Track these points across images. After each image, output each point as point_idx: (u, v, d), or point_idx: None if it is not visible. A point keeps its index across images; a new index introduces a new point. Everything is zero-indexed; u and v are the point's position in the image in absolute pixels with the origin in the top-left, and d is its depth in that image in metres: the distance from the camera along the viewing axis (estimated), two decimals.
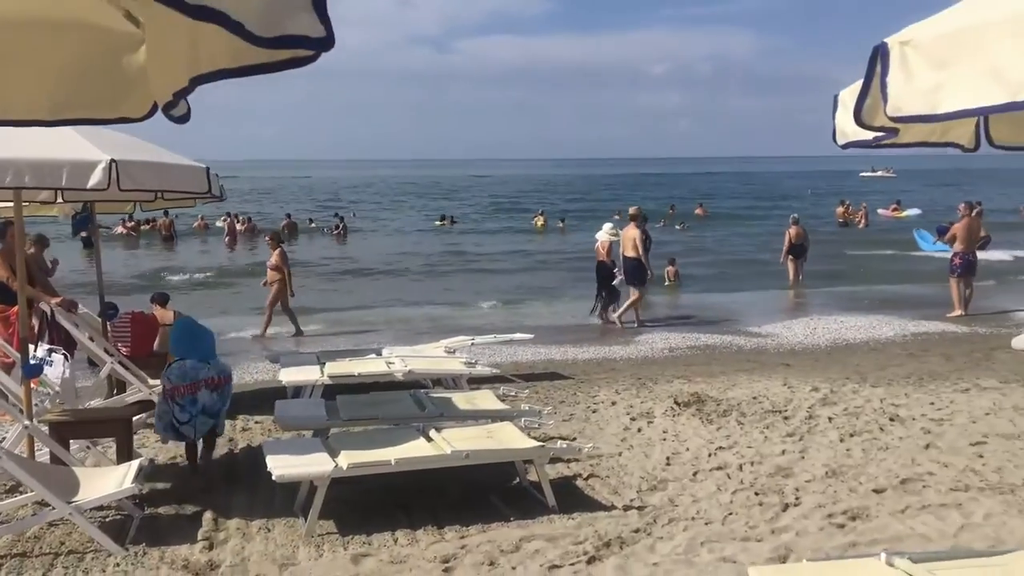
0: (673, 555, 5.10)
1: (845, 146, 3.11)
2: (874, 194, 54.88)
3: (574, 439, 7.45)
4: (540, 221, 40.20)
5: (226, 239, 33.02)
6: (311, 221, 40.15)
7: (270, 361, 10.48)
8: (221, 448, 7.46)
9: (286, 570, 5.00)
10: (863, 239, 31.75)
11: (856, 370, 10.42)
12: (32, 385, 6.37)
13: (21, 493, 5.81)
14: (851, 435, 7.51)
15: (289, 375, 8.65)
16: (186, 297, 17.97)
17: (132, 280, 22.36)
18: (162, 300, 10.41)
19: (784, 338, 13.15)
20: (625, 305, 14.62)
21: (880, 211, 41.75)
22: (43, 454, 6.45)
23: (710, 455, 7.02)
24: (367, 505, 5.87)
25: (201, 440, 6.86)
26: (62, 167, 5.44)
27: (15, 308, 7.12)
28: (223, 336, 13.43)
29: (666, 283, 19.53)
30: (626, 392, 9.37)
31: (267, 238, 16.45)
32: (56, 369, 7.43)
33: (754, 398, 8.89)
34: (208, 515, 5.82)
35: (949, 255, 15.61)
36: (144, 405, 7.64)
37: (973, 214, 15.55)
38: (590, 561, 5.01)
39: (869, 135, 2.78)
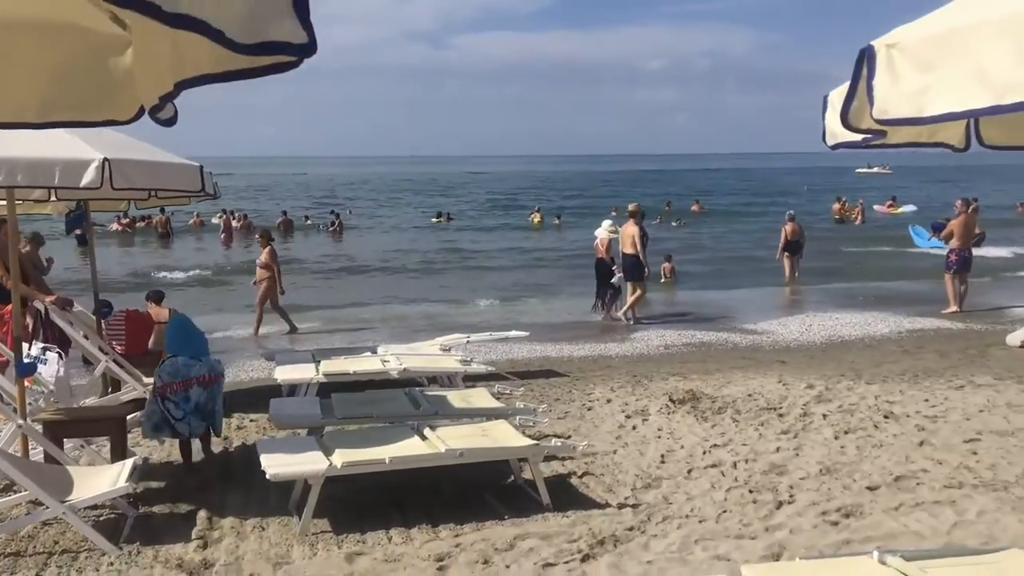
0: (667, 553, 5.11)
1: (835, 147, 3.12)
2: (870, 190, 54.95)
3: (569, 437, 7.46)
4: (537, 218, 40.19)
5: (222, 236, 32.96)
6: (307, 219, 40.12)
7: (265, 359, 10.48)
8: (216, 446, 7.45)
9: (280, 569, 5.00)
10: (859, 236, 31.78)
11: (851, 367, 10.43)
12: (26, 384, 6.37)
13: (15, 492, 5.80)
14: (845, 432, 7.52)
15: (284, 373, 8.65)
16: (182, 295, 17.94)
17: (127, 278, 22.32)
18: (157, 298, 10.41)
19: (779, 335, 13.17)
20: (629, 301, 14.65)
21: (876, 207, 41.82)
22: (37, 453, 6.45)
23: (704, 453, 7.03)
24: (361, 504, 5.87)
25: (198, 440, 6.91)
26: (55, 166, 5.44)
27: (9, 306, 7.11)
28: (218, 334, 13.46)
29: (662, 280, 19.54)
30: (621, 389, 9.38)
31: (257, 236, 16.40)
32: (50, 367, 7.43)
33: (749, 395, 8.90)
34: (202, 514, 5.82)
35: (945, 251, 15.63)
36: (139, 404, 7.62)
37: (969, 210, 15.57)
38: (584, 559, 5.02)
39: (858, 136, 2.78)
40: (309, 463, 5.59)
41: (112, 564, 5.06)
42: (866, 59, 2.46)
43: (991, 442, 7.14)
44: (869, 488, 6.13)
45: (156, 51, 1.89)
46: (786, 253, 19.55)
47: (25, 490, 5.33)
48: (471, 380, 9.14)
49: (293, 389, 8.61)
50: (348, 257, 27.99)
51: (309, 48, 1.68)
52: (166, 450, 7.34)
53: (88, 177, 5.42)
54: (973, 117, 2.72)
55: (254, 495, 6.16)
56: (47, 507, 5.20)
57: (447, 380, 9.04)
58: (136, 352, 9.08)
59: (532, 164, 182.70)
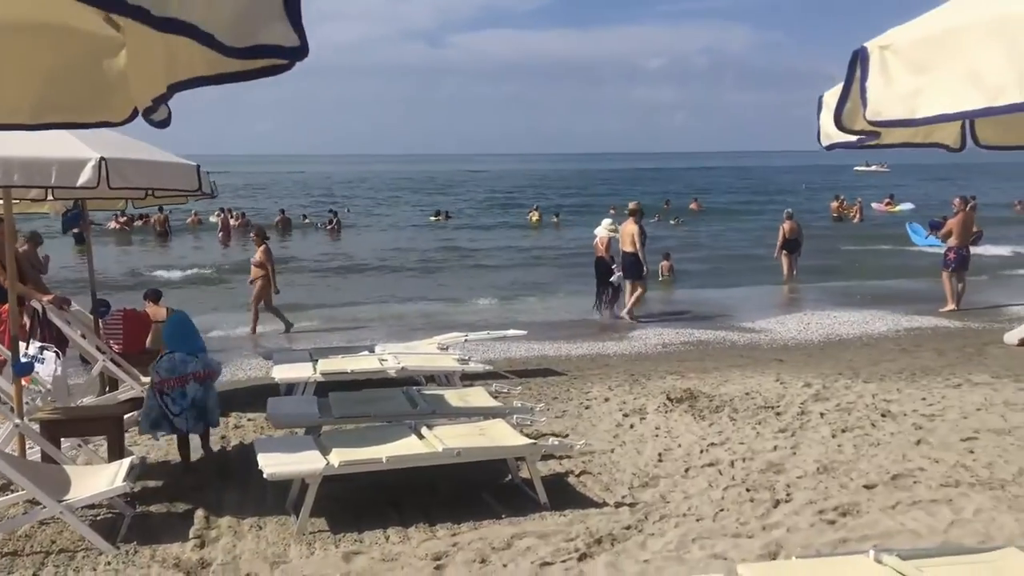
0: (664, 552, 5.11)
1: (830, 147, 3.12)
2: (868, 189, 54.96)
3: (566, 436, 7.46)
4: (535, 216, 40.18)
5: (220, 235, 32.93)
6: (305, 217, 40.08)
7: (263, 358, 10.48)
8: (213, 445, 7.45)
9: (277, 568, 5.01)
10: (857, 234, 31.79)
11: (849, 365, 10.44)
12: (23, 383, 6.36)
13: (12, 492, 5.80)
14: (843, 431, 7.52)
15: (282, 372, 8.64)
16: (179, 294, 17.92)
17: (125, 277, 22.32)
18: (155, 297, 10.41)
19: (777, 333, 13.18)
20: (632, 300, 14.69)
21: (873, 205, 41.86)
22: (34, 452, 6.45)
23: (702, 451, 7.03)
24: (359, 503, 5.87)
25: (197, 437, 6.95)
26: (51, 165, 5.43)
27: (6, 306, 7.11)
28: (216, 333, 13.47)
29: (660, 278, 19.54)
30: (619, 388, 9.38)
31: (252, 234, 16.36)
32: (48, 367, 7.44)
33: (747, 394, 8.90)
34: (200, 513, 5.82)
35: (943, 250, 15.64)
36: (136, 403, 7.63)
37: (967, 208, 15.58)
38: (581, 558, 5.02)
39: (852, 137, 2.78)
40: (306, 462, 5.59)
41: (109, 563, 5.06)
42: (859, 60, 2.47)
43: (988, 441, 7.15)
44: (866, 487, 6.13)
45: (149, 53, 1.89)
46: (784, 251, 19.56)
47: (22, 489, 5.33)
48: (469, 379, 9.13)
49: (291, 388, 8.62)
50: (346, 256, 27.97)
51: (301, 51, 1.68)
52: (163, 449, 7.34)
53: (85, 176, 5.41)
54: (966, 119, 2.73)
55: (251, 494, 6.16)
56: (44, 506, 5.21)
57: (445, 379, 9.04)
58: (133, 351, 9.08)
59: (530, 162, 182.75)
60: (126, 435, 7.04)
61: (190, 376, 6.58)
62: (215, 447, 7.39)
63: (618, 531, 5.40)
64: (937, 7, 2.57)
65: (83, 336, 8.52)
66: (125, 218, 34.03)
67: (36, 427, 6.42)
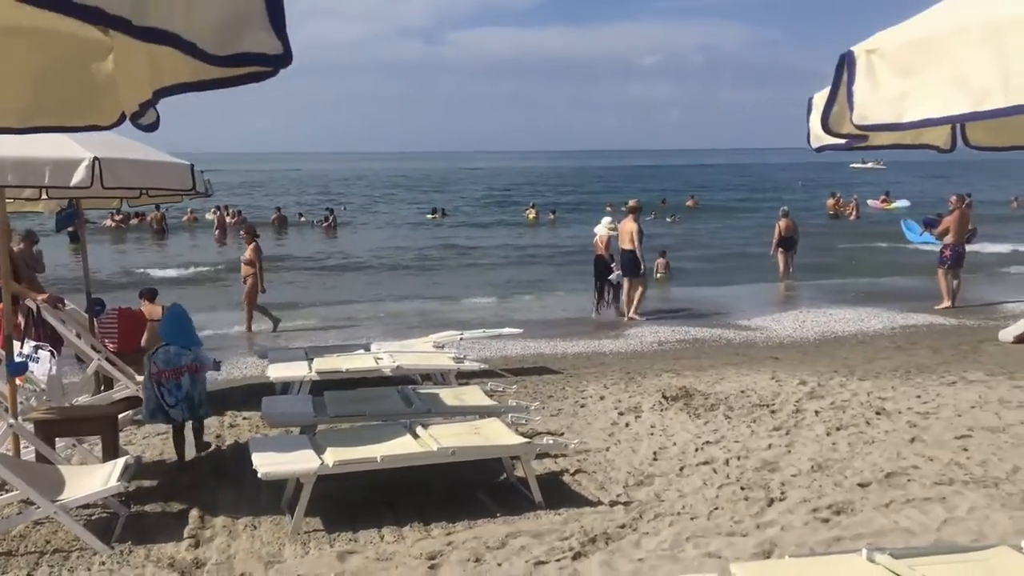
0: (658, 550, 5.12)
1: (819, 149, 3.12)
2: (864, 186, 54.96)
3: (562, 434, 7.47)
4: (532, 214, 40.17)
5: (216, 232, 32.89)
6: (301, 215, 40.04)
7: (258, 357, 10.47)
8: (209, 444, 7.46)
9: (272, 567, 5.01)
10: (854, 231, 31.82)
11: (844, 363, 10.46)
12: (18, 382, 6.35)
13: (6, 492, 5.78)
14: (837, 429, 7.54)
15: (277, 371, 8.64)
16: (175, 292, 17.89)
17: (120, 275, 22.29)
18: (151, 295, 10.41)
19: (773, 331, 13.19)
20: (636, 300, 14.74)
21: (869, 202, 41.87)
22: (29, 452, 6.43)
23: (697, 450, 7.04)
24: (353, 502, 5.87)
25: (190, 431, 7.01)
26: (45, 165, 5.43)
27: (0, 305, 7.09)
28: (212, 331, 13.44)
29: (656, 275, 19.54)
30: (615, 386, 9.39)
31: (242, 232, 16.31)
32: (42, 366, 7.41)
33: (742, 392, 8.91)
34: (194, 512, 5.82)
35: (938, 247, 15.65)
36: (131, 402, 7.63)
37: (963, 206, 15.60)
38: (575, 557, 5.03)
39: (841, 139, 2.79)
40: (301, 462, 5.59)
41: (104, 563, 5.06)
42: (846, 64, 2.47)
43: (982, 438, 7.17)
44: (860, 485, 6.15)
45: (134, 59, 1.89)
46: (780, 249, 19.57)
47: (16, 489, 5.32)
48: (464, 377, 9.13)
49: (286, 387, 8.62)
50: (342, 253, 27.96)
51: (284, 58, 1.68)
52: (158, 448, 7.34)
53: (78, 176, 5.41)
54: (952, 123, 2.74)
55: (246, 493, 6.16)
56: (38, 506, 5.21)
57: (440, 377, 9.04)
58: (128, 350, 9.07)
59: (527, 160, 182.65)
60: (121, 434, 7.03)
61: (184, 369, 6.68)
62: (211, 446, 7.40)
63: (612, 530, 5.41)
64: (925, 10, 2.58)
65: (78, 335, 8.51)
66: (120, 216, 33.96)
67: (30, 427, 6.41)
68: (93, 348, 8.41)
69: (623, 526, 5.48)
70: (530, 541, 5.26)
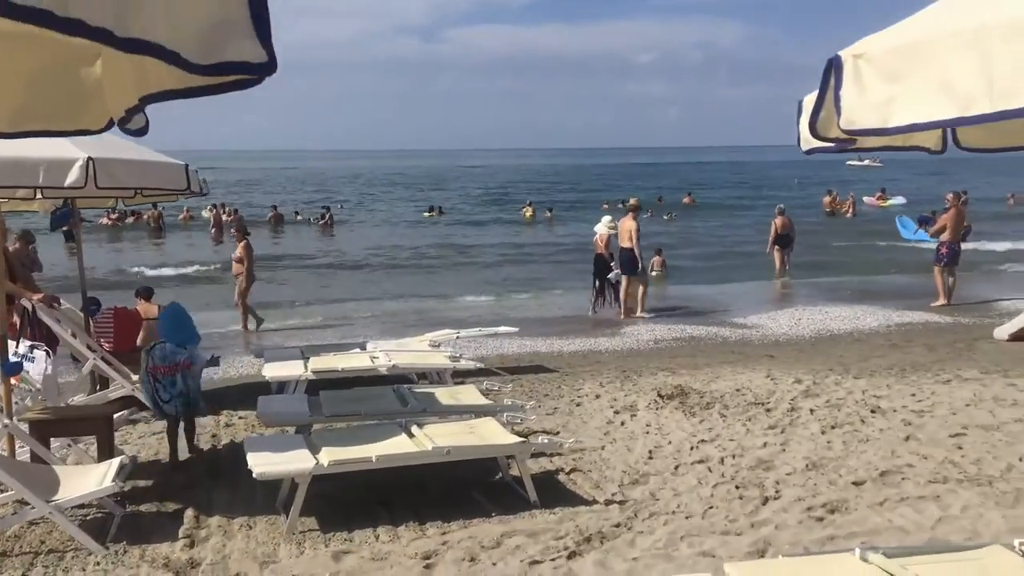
0: (653, 549, 5.13)
1: (809, 152, 3.13)
2: (861, 183, 55.04)
3: (557, 433, 7.48)
4: (528, 212, 40.19)
5: (212, 231, 32.85)
6: (297, 213, 40.01)
7: (254, 356, 10.46)
8: (204, 444, 7.47)
9: (267, 567, 5.01)
10: (850, 229, 31.85)
11: (839, 361, 10.47)
12: (13, 382, 6.34)
13: (1, 492, 5.78)
14: (832, 427, 7.55)
15: (273, 370, 8.64)
16: (171, 291, 17.88)
17: (116, 275, 22.27)
18: (147, 294, 10.42)
19: (769, 329, 13.21)
20: (641, 296, 14.84)
21: (865, 199, 41.92)
22: (24, 452, 6.43)
23: (692, 448, 7.05)
24: (349, 502, 5.87)
25: (182, 430, 7.04)
26: (39, 166, 5.43)
27: None
28: (207, 330, 13.41)
29: (653, 273, 19.55)
30: (610, 385, 9.40)
31: (233, 230, 16.32)
32: (38, 366, 7.41)
33: (737, 390, 8.93)
34: (190, 512, 5.82)
35: (933, 244, 15.67)
36: (127, 401, 7.64)
37: (960, 203, 15.62)
38: (570, 556, 5.03)
39: (830, 143, 2.79)
40: (296, 462, 5.59)
41: (98, 564, 5.06)
42: (834, 69, 2.48)
43: (976, 437, 7.18)
44: (855, 483, 6.16)
45: (121, 66, 1.89)
46: (776, 247, 19.58)
47: (11, 490, 5.32)
48: (461, 376, 9.14)
49: (282, 386, 8.61)
50: (338, 252, 27.95)
51: (269, 67, 1.68)
52: (154, 448, 7.34)
53: (72, 176, 5.41)
54: (937, 128, 2.75)
55: (241, 493, 6.16)
56: (33, 507, 5.20)
57: (436, 376, 9.04)
58: (124, 349, 9.06)
59: (524, 157, 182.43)
60: (116, 434, 7.03)
61: (179, 366, 6.74)
62: (206, 446, 7.40)
63: (607, 529, 5.41)
64: (915, 11, 2.58)
65: (73, 335, 8.50)
66: (116, 215, 33.93)
67: (25, 427, 6.41)
68: (89, 347, 8.40)
69: (618, 525, 5.48)
70: (525, 540, 5.26)
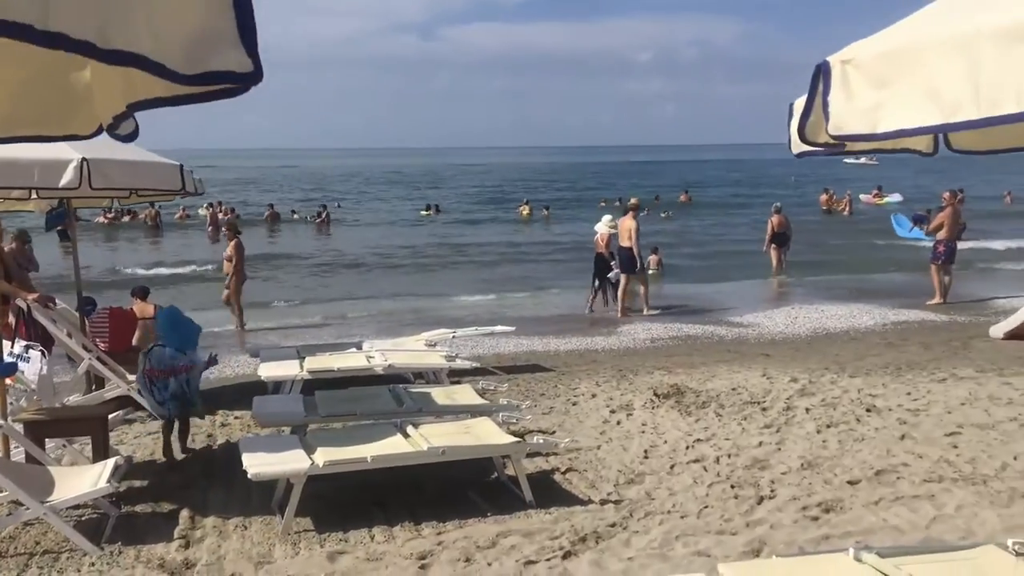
0: (648, 549, 5.13)
1: (800, 155, 3.13)
2: (857, 181, 55.10)
3: (553, 432, 7.48)
4: (525, 211, 40.18)
5: (209, 229, 32.78)
6: (294, 213, 39.96)
7: (250, 355, 10.46)
8: (199, 444, 7.46)
9: (262, 568, 5.01)
10: (846, 227, 31.88)
11: (835, 360, 10.49)
12: (8, 382, 6.33)
13: None
14: (828, 426, 7.56)
15: (269, 370, 8.63)
16: (167, 290, 17.88)
17: (112, 274, 22.23)
18: (142, 294, 10.40)
19: (765, 328, 13.21)
20: (643, 294, 14.92)
21: (862, 197, 41.95)
22: (19, 453, 6.42)
23: (688, 448, 7.06)
24: (344, 502, 5.87)
25: (176, 428, 7.06)
26: (33, 166, 5.43)
27: None
28: (203, 330, 13.40)
29: (649, 272, 19.56)
30: (606, 384, 9.40)
31: (224, 229, 16.31)
32: (33, 366, 7.39)
33: (733, 389, 8.94)
34: (185, 513, 5.82)
35: (928, 242, 15.69)
36: (122, 402, 7.63)
37: (956, 201, 15.65)
38: (565, 556, 5.04)
39: (819, 148, 2.80)
40: (291, 462, 5.59)
41: (93, 564, 5.06)
42: (822, 75, 2.48)
43: (972, 435, 7.19)
44: (850, 483, 6.17)
45: (108, 74, 1.89)
46: (773, 245, 19.60)
47: (6, 491, 5.31)
48: (457, 376, 9.14)
49: (278, 386, 8.60)
50: (335, 251, 27.92)
51: (255, 76, 1.68)
52: (149, 448, 7.33)
53: (67, 177, 5.41)
54: (924, 134, 2.75)
55: (237, 493, 6.15)
56: (28, 508, 5.19)
57: (433, 376, 9.04)
58: (119, 349, 9.04)
59: (521, 156, 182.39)
60: (111, 435, 7.02)
61: (176, 370, 6.73)
62: (202, 445, 7.40)
63: (603, 529, 5.42)
64: (912, 12, 2.58)
65: (69, 334, 8.48)
66: (113, 214, 33.87)
67: (20, 428, 6.40)
68: (84, 347, 8.39)
69: (613, 525, 5.49)
70: (520, 540, 5.27)
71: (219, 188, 52.17)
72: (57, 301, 8.90)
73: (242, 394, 8.89)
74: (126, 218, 34.93)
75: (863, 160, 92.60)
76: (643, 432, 7.55)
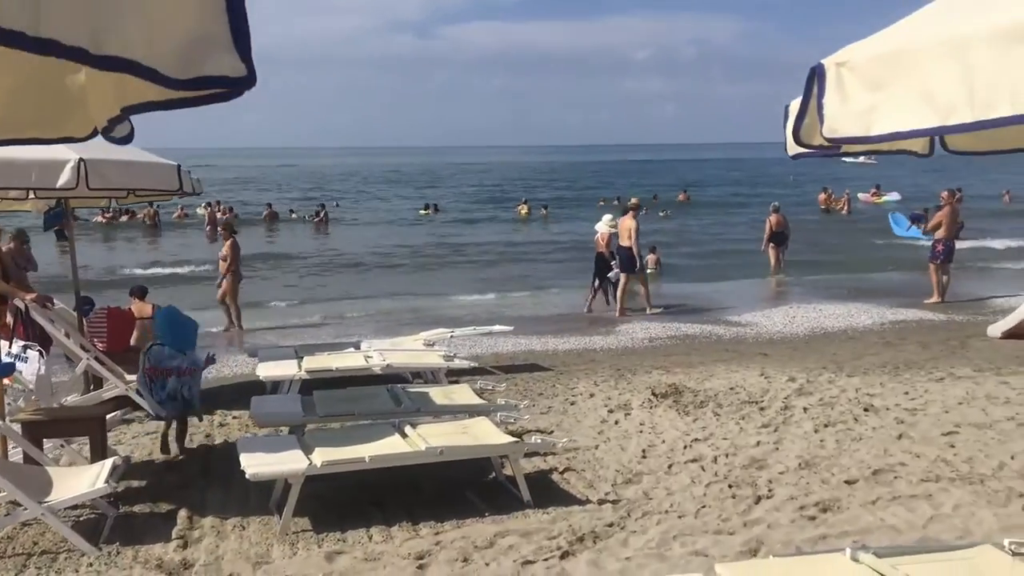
0: (646, 549, 5.14)
1: (795, 156, 3.14)
2: (856, 180, 55.10)
3: (551, 432, 7.49)
4: (524, 210, 40.19)
5: (207, 229, 32.76)
6: (292, 212, 39.94)
7: (248, 355, 10.46)
8: (197, 443, 7.47)
9: (260, 568, 5.01)
10: (845, 226, 31.91)
11: (833, 359, 10.49)
12: (6, 382, 6.33)
13: None
14: (825, 426, 7.57)
15: (267, 370, 8.63)
16: (165, 290, 17.86)
17: (110, 274, 22.21)
18: (140, 293, 10.40)
19: (763, 327, 13.23)
20: (644, 294, 14.99)
21: (860, 195, 41.98)
22: (16, 453, 6.42)
23: (685, 447, 7.06)
24: (342, 502, 5.88)
25: (174, 427, 7.09)
26: (31, 167, 5.42)
27: None
28: (201, 329, 13.39)
29: (648, 271, 19.56)
30: (605, 384, 9.41)
31: (220, 228, 16.33)
32: (31, 366, 7.39)
33: (731, 389, 8.94)
34: (183, 513, 5.82)
35: (927, 241, 15.71)
36: (120, 402, 7.62)
37: (955, 201, 15.67)
38: (563, 556, 5.04)
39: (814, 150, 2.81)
40: (289, 462, 5.59)
41: (91, 565, 5.06)
42: (816, 77, 2.49)
43: (969, 435, 7.20)
44: (847, 482, 6.18)
45: (102, 78, 1.89)
46: (771, 244, 19.62)
47: (3, 491, 5.32)
48: (455, 375, 9.14)
49: (276, 386, 8.61)
50: (334, 250, 27.91)
51: (248, 81, 1.68)
52: (147, 448, 7.34)
53: (64, 177, 5.41)
54: (918, 136, 2.76)
55: (235, 493, 6.16)
56: (26, 508, 5.19)
57: (431, 375, 9.05)
58: (117, 349, 9.03)
59: (520, 155, 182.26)
60: (109, 435, 7.02)
61: (173, 371, 6.75)
62: (198, 445, 7.40)
63: (600, 528, 5.42)
64: (911, 11, 2.59)
65: (67, 334, 8.47)
66: (111, 213, 33.84)
67: (18, 428, 6.39)
68: (82, 347, 8.38)
69: (611, 525, 5.49)
70: (518, 540, 5.27)
71: (217, 187, 52.16)
72: (55, 301, 8.89)
73: (240, 394, 8.89)
74: (124, 217, 34.91)
75: (862, 159, 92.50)
76: (641, 432, 7.56)
